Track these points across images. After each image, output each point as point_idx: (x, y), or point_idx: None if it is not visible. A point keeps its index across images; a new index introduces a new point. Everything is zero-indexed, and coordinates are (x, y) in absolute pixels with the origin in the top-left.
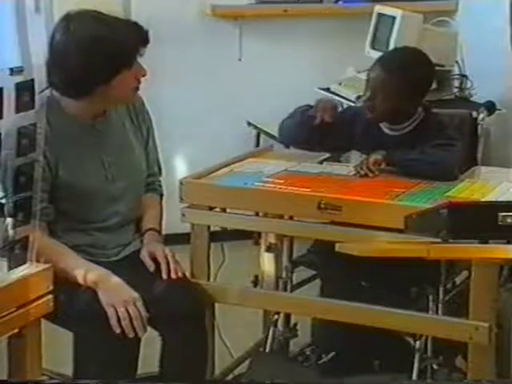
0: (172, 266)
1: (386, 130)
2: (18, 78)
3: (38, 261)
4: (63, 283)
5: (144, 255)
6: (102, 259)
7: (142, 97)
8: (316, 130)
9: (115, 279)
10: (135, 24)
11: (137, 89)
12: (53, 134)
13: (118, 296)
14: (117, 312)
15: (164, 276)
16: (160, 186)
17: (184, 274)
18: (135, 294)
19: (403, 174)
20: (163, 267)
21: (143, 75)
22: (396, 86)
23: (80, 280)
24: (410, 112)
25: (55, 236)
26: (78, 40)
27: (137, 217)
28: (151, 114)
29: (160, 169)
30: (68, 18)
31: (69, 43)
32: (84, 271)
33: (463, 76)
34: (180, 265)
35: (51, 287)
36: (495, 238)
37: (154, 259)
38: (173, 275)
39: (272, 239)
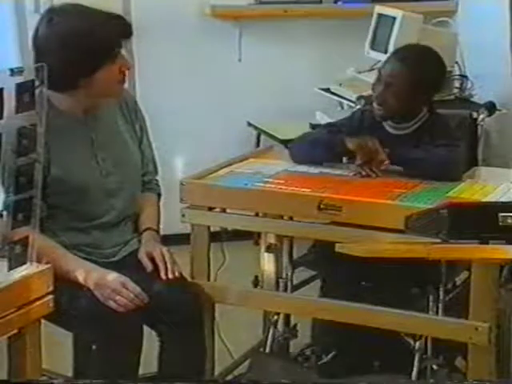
0: (169, 265)
1: (390, 129)
2: (18, 79)
3: (38, 261)
4: (63, 283)
5: (142, 255)
6: (100, 259)
7: (134, 95)
8: (338, 153)
9: (97, 273)
10: (118, 17)
11: (122, 82)
12: (44, 130)
13: (107, 288)
14: (116, 301)
15: (162, 276)
16: (157, 185)
17: (181, 274)
18: (121, 278)
19: (406, 173)
20: (161, 267)
21: (128, 68)
22: (412, 80)
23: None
24: (418, 110)
25: (52, 235)
26: (59, 34)
27: (133, 214)
28: (151, 115)
29: (156, 167)
30: (51, 12)
31: (51, 37)
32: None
33: (463, 76)
34: (178, 264)
35: (51, 287)
36: (495, 238)
37: (152, 259)
38: (170, 275)
39: (272, 239)
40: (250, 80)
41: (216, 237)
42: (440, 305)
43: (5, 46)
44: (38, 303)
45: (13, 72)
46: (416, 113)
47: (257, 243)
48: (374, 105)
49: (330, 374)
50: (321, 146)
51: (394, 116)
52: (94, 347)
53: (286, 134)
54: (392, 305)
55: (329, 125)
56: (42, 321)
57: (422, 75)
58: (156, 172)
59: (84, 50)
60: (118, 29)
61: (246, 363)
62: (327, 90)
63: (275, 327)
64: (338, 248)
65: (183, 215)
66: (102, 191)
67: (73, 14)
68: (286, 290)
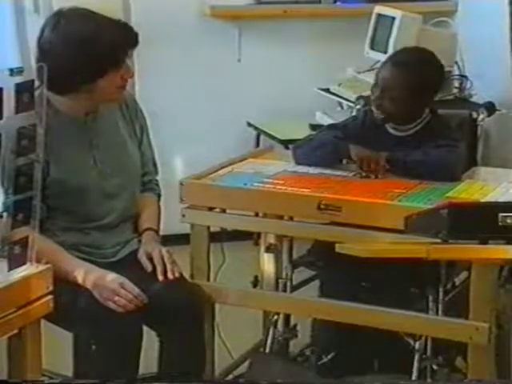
0: (168, 266)
1: (391, 130)
2: (18, 79)
3: (38, 261)
4: (63, 283)
5: (141, 255)
6: (100, 260)
7: (134, 95)
8: (343, 158)
9: (95, 274)
10: (125, 25)
11: (123, 88)
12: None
13: (105, 289)
14: (115, 302)
15: (159, 277)
16: (157, 185)
17: (181, 274)
18: (120, 279)
19: (405, 175)
20: (158, 268)
21: (130, 76)
22: (408, 85)
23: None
24: (419, 113)
25: (52, 235)
26: (66, 38)
27: (134, 215)
28: (151, 115)
29: (156, 167)
30: (59, 15)
31: (57, 40)
32: (66, 275)
33: (463, 76)
34: (177, 265)
35: (51, 288)
36: (495, 238)
37: (152, 259)
38: (169, 275)
39: (272, 240)
40: (250, 80)
41: (216, 237)
42: (440, 305)
43: (4, 46)
44: (37, 303)
45: (12, 72)
46: (417, 115)
47: (257, 243)
48: (373, 108)
49: (330, 374)
50: (326, 151)
51: (392, 119)
52: (93, 347)
53: (285, 134)
54: (392, 305)
55: (332, 126)
56: (42, 321)
57: (418, 80)
58: (156, 172)
59: (89, 57)
60: (125, 37)
61: (246, 363)
62: (327, 90)
63: (275, 327)
64: (338, 248)
65: (183, 215)
66: (102, 193)
67: (80, 19)
68: (285, 290)
